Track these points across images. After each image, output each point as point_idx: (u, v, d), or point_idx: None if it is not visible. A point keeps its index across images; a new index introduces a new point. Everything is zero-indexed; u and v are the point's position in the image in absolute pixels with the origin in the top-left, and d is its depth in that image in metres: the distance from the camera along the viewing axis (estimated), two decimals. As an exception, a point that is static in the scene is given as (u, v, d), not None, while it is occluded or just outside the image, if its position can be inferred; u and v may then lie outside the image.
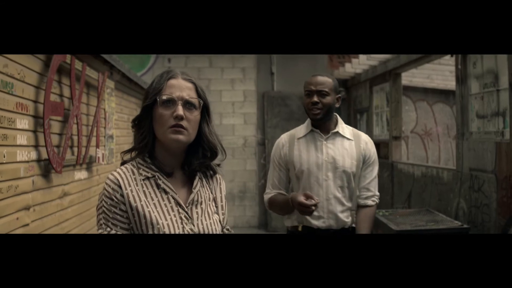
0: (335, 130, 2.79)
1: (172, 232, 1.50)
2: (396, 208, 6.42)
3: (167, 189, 1.55)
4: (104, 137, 4.83)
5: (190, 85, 1.58)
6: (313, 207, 2.48)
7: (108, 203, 1.50)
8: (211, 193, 1.67)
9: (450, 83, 8.93)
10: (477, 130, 4.90)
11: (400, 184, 6.95)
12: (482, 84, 4.79)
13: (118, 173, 1.54)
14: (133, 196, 1.51)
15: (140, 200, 1.51)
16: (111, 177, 1.53)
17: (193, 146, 1.60)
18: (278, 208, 2.84)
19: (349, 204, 2.76)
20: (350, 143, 2.78)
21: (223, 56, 8.81)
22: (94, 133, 4.37)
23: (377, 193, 2.84)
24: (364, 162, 2.79)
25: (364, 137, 2.85)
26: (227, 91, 8.90)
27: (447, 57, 6.19)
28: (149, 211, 1.50)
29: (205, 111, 1.61)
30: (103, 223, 1.50)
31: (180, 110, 1.51)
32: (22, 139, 2.90)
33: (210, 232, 1.58)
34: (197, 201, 1.59)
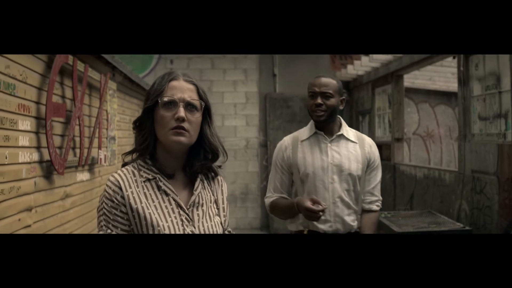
0: (340, 133, 2.74)
1: (173, 234, 1.50)
2: (398, 210, 6.41)
3: (168, 191, 1.55)
4: (106, 138, 4.84)
5: (191, 86, 1.58)
6: (321, 213, 2.43)
7: (109, 205, 1.50)
8: (213, 195, 1.66)
9: (452, 85, 8.92)
10: (479, 132, 4.89)
11: (402, 186, 6.94)
12: (484, 86, 4.78)
13: (119, 174, 1.54)
14: (134, 198, 1.50)
15: (141, 202, 1.50)
16: (111, 178, 1.53)
17: (195, 147, 1.59)
18: (280, 213, 2.78)
19: (355, 208, 2.71)
20: (354, 146, 2.74)
21: (225, 58, 8.81)
22: (96, 135, 4.37)
23: (381, 198, 2.81)
24: (368, 166, 2.75)
25: (368, 140, 2.82)
26: (229, 92, 8.91)
27: (449, 59, 6.18)
28: (149, 213, 1.50)
29: (207, 113, 1.61)
30: (104, 224, 1.50)
31: (181, 112, 1.51)
32: (24, 140, 2.90)
33: (211, 234, 1.58)
34: (198, 203, 1.59)
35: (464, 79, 5.14)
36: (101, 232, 1.51)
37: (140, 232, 1.49)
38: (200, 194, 1.60)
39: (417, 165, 7.25)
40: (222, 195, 1.69)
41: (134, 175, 1.54)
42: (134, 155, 1.60)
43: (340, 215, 2.68)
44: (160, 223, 1.50)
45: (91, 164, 4.35)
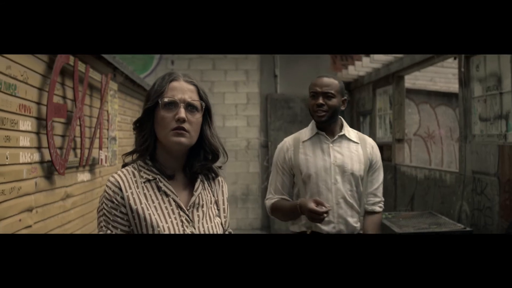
0: (342, 133, 2.72)
1: (173, 235, 1.50)
2: (399, 211, 6.41)
3: (168, 192, 1.54)
4: (107, 139, 4.84)
5: (192, 87, 1.57)
6: (325, 214, 2.41)
7: (109, 206, 1.50)
8: (213, 195, 1.66)
9: (453, 86, 8.92)
10: (480, 133, 4.89)
11: (403, 187, 6.93)
12: (485, 87, 4.78)
13: (119, 175, 1.54)
14: (134, 198, 1.50)
15: (141, 203, 1.50)
16: (111, 179, 1.53)
17: (195, 148, 1.59)
18: (282, 214, 2.75)
19: (358, 209, 2.69)
20: (356, 147, 2.72)
21: (226, 58, 8.82)
22: (97, 135, 4.37)
23: (383, 199, 2.79)
24: (370, 167, 2.73)
25: (370, 141, 2.79)
26: (230, 93, 8.91)
27: (450, 59, 6.18)
28: (149, 214, 1.50)
29: (207, 113, 1.60)
30: (104, 225, 1.50)
31: (182, 113, 1.51)
32: (25, 140, 2.90)
33: (211, 235, 1.57)
34: (199, 204, 1.58)
35: (465, 80, 5.14)
36: (101, 233, 1.50)
37: (140, 233, 1.49)
38: (200, 195, 1.60)
39: (418, 166, 7.25)
40: (223, 196, 1.69)
41: (134, 176, 1.54)
42: (134, 156, 1.59)
43: (343, 216, 2.65)
44: (160, 224, 1.49)
45: (92, 165, 4.36)
